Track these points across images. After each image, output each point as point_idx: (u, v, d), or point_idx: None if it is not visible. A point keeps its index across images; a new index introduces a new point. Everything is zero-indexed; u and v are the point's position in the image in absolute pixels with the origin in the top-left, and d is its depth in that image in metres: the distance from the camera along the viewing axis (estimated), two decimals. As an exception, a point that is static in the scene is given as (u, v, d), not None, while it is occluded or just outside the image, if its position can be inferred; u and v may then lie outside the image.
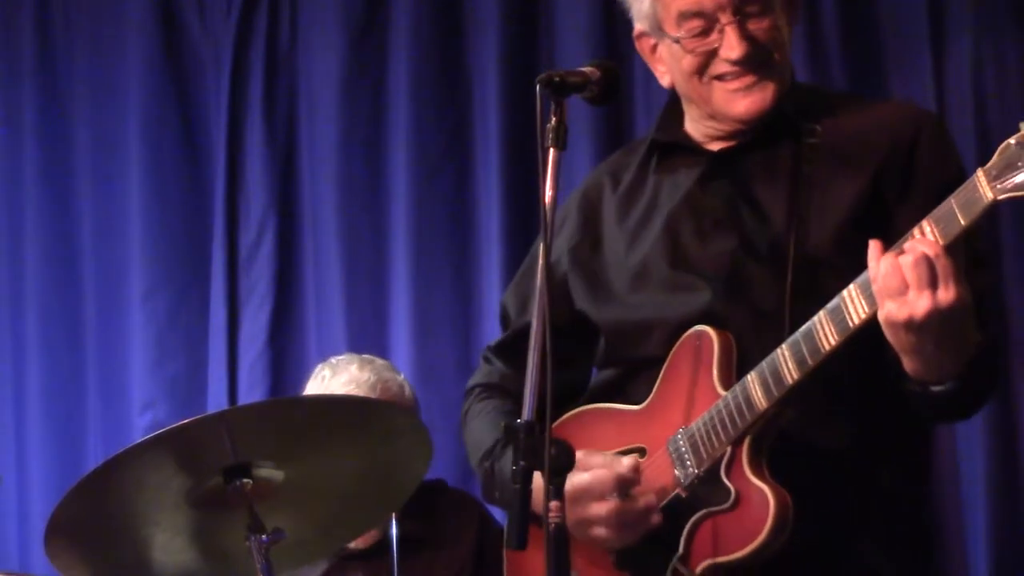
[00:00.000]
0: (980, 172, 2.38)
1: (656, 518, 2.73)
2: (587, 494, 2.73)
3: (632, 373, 2.88)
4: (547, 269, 2.48)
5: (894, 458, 2.76)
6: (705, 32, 2.79)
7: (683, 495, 2.71)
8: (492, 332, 3.87)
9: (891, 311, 2.45)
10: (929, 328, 2.45)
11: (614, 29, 4.64)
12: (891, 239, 2.51)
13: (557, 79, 2.59)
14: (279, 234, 5.09)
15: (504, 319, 3.16)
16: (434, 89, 4.95)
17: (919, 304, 2.43)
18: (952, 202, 2.42)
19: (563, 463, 2.43)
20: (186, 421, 3.19)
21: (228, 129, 5.10)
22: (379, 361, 4.29)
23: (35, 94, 5.31)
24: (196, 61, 5.23)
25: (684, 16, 2.80)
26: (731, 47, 2.77)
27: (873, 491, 2.74)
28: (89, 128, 5.28)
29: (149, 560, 3.35)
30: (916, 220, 2.51)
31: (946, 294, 2.43)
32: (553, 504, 2.39)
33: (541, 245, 2.51)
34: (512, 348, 3.09)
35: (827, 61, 4.53)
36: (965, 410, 2.72)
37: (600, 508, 2.74)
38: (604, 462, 2.76)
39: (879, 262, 2.47)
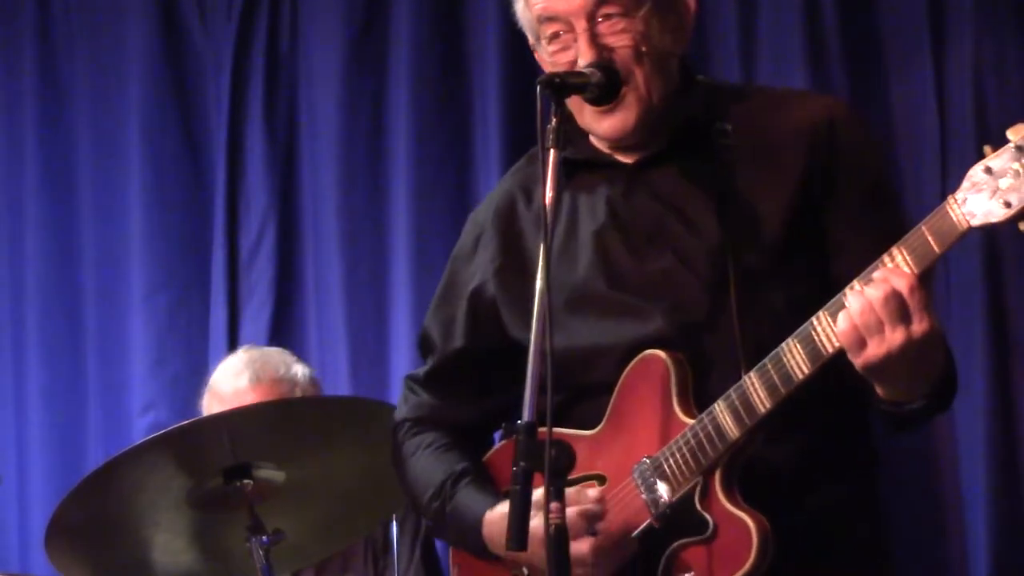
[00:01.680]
0: (951, 199, 2.35)
1: (632, 546, 2.65)
2: None
3: (578, 399, 2.76)
4: (547, 270, 2.47)
5: (846, 469, 2.74)
6: (562, 39, 2.69)
7: (655, 525, 2.64)
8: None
9: (868, 354, 2.43)
10: (902, 361, 2.44)
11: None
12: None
13: (557, 80, 2.57)
14: (279, 234, 5.08)
15: (426, 346, 2.99)
16: (434, 89, 4.94)
17: (894, 339, 2.41)
18: (924, 229, 2.39)
19: (563, 464, 2.42)
20: (187, 422, 3.20)
21: (228, 129, 5.10)
22: (268, 347, 4.43)
23: (35, 94, 5.30)
24: (197, 61, 5.22)
25: (541, 21, 2.71)
26: (582, 57, 2.66)
27: (828, 504, 2.70)
28: (89, 128, 5.27)
29: (149, 561, 3.36)
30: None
31: (920, 326, 2.41)
32: (554, 505, 2.38)
33: (541, 247, 2.49)
34: (439, 377, 2.96)
35: (827, 61, 4.52)
36: (935, 415, 2.68)
37: (575, 548, 2.55)
38: (567, 500, 2.59)
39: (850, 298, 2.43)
